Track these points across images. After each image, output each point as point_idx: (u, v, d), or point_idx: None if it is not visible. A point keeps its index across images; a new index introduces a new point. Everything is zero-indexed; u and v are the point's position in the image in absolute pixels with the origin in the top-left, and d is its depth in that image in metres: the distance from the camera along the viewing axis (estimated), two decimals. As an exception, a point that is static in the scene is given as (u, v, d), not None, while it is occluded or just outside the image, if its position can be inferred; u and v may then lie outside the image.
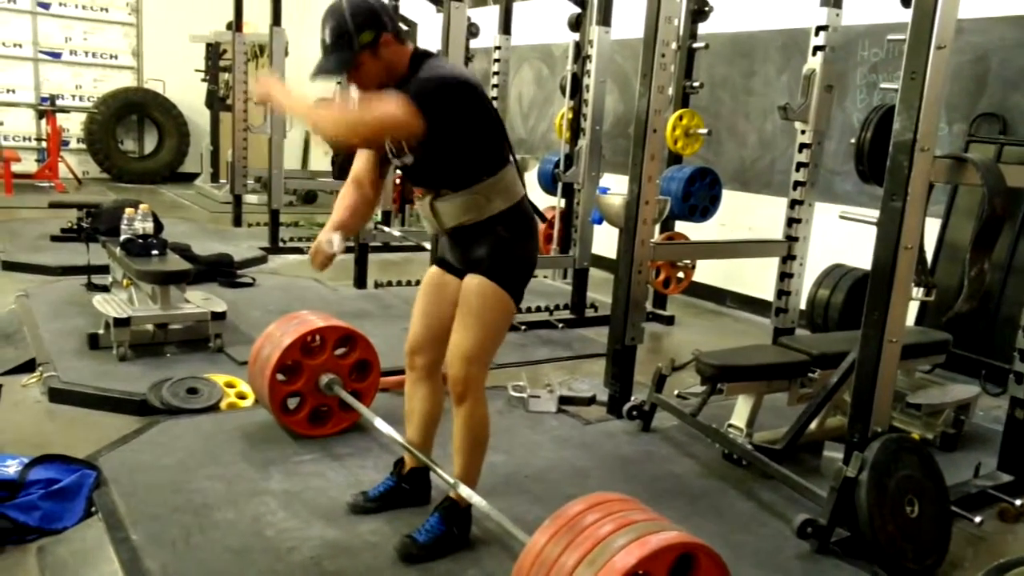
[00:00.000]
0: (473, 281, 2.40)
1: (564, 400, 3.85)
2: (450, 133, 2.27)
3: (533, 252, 2.50)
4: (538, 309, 5.55)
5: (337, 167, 8.88)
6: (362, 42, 2.25)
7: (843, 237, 4.44)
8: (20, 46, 11.07)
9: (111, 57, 11.67)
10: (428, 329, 2.60)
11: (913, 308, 3.90)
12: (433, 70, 2.28)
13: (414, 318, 2.65)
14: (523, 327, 5.14)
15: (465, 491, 2.42)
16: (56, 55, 11.34)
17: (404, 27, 2.32)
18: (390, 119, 2.18)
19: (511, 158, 2.48)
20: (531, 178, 6.67)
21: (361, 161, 2.63)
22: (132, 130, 11.85)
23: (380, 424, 2.93)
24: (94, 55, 11.57)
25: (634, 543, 1.74)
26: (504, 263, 2.41)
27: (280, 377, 3.19)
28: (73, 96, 11.39)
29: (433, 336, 2.57)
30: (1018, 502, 3.07)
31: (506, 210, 2.40)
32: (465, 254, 2.47)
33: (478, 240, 2.42)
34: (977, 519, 2.84)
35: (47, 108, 10.43)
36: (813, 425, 3.33)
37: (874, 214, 2.71)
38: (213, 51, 10.77)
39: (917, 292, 2.78)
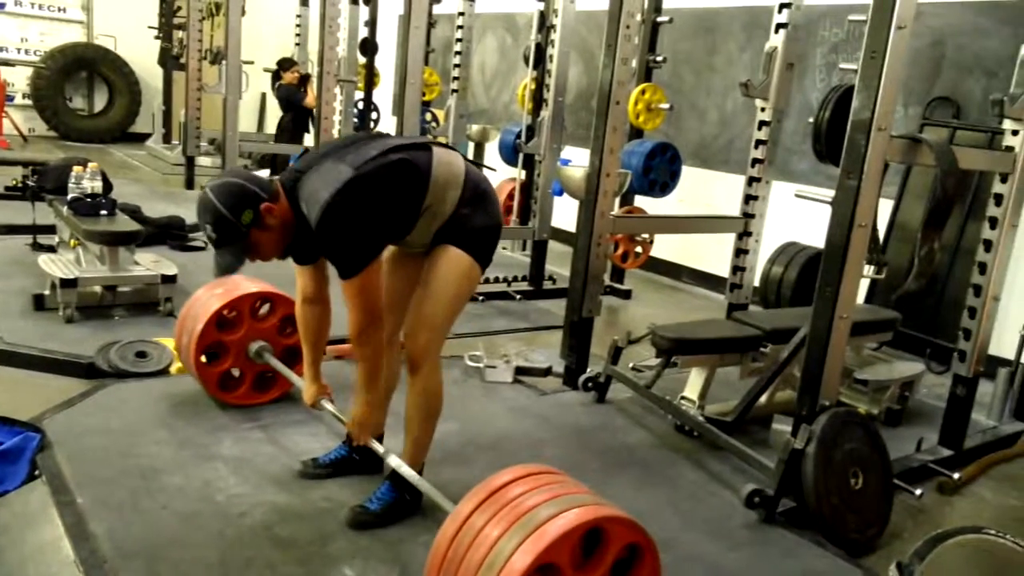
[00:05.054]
0: (441, 250, 2.38)
1: (520, 371, 3.86)
2: (367, 227, 2.24)
3: (494, 213, 2.46)
4: (496, 280, 5.54)
5: (283, 131, 8.75)
6: (245, 222, 2.17)
7: (797, 215, 4.49)
8: (-39, -5, 10.63)
9: (59, 10, 11.27)
10: (387, 298, 2.57)
11: (863, 286, 3.98)
12: (313, 205, 2.17)
13: None
14: (481, 298, 5.13)
15: (394, 461, 2.39)
16: (0, 5, 10.89)
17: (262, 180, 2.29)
18: (357, 301, 2.25)
19: (426, 147, 2.37)
20: (492, 148, 6.64)
21: (304, 278, 2.51)
22: (81, 87, 11.48)
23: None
24: (41, 7, 11.15)
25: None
26: (469, 233, 2.39)
27: (206, 359, 3.13)
28: (18, 49, 10.98)
29: (391, 305, 2.54)
30: (956, 475, 3.17)
31: (461, 194, 2.36)
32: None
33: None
34: (918, 491, 2.93)
35: (-10, 61, 10.06)
36: (763, 398, 3.39)
37: (829, 193, 2.75)
38: (167, 7, 10.45)
39: (869, 270, 2.83)
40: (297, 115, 8.62)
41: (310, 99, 8.26)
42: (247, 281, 3.23)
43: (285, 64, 8.73)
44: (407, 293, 2.47)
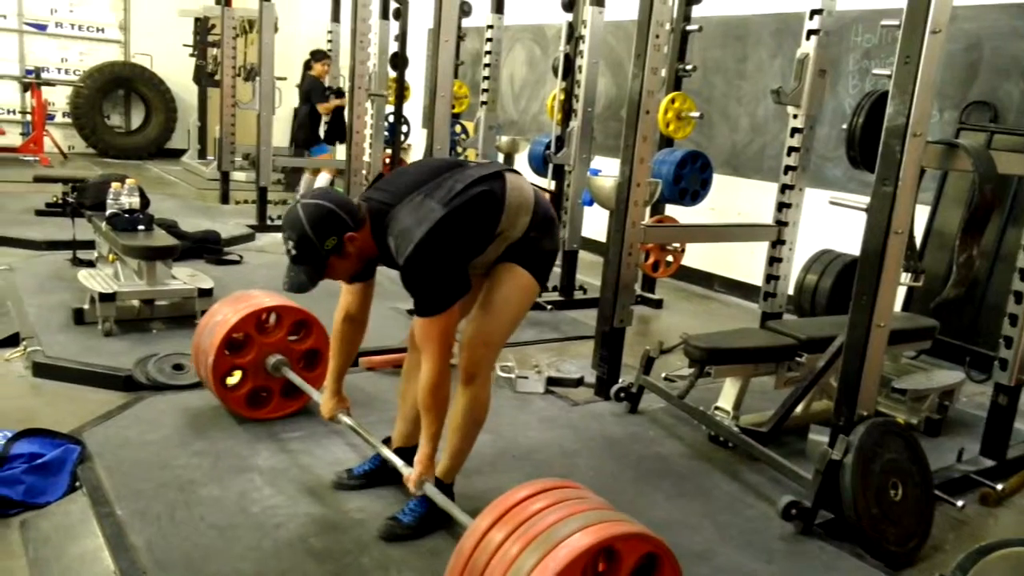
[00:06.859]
0: (506, 268, 2.41)
1: (552, 381, 3.85)
2: (454, 261, 2.26)
3: (557, 238, 2.54)
4: (527, 291, 5.54)
5: (300, 126, 8.57)
6: (327, 248, 2.21)
7: (832, 223, 4.44)
8: (4, 17, 10.91)
9: (98, 30, 11.52)
10: None
11: (900, 294, 3.92)
12: (405, 242, 2.19)
13: None
14: (512, 308, 5.13)
15: (414, 477, 2.40)
16: (42, 27, 11.18)
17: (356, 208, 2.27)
18: (436, 346, 2.25)
19: (500, 175, 2.38)
20: (522, 159, 6.65)
21: (351, 296, 2.55)
22: (119, 105, 11.72)
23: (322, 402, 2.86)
24: (80, 28, 11.42)
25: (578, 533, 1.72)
26: (535, 255, 2.44)
27: (230, 381, 3.14)
28: (59, 69, 11.25)
29: None
30: (999, 487, 3.10)
31: (531, 219, 2.40)
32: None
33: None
34: (959, 503, 2.87)
35: (32, 81, 10.30)
36: (799, 408, 3.35)
37: (864, 200, 2.71)
38: (202, 26, 10.65)
39: (906, 277, 2.79)
40: (313, 110, 8.25)
41: (326, 106, 8.08)
42: (247, 299, 3.20)
43: (318, 55, 8.39)
44: (463, 311, 2.49)
